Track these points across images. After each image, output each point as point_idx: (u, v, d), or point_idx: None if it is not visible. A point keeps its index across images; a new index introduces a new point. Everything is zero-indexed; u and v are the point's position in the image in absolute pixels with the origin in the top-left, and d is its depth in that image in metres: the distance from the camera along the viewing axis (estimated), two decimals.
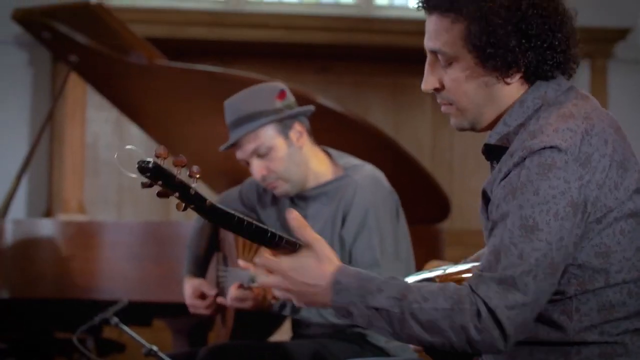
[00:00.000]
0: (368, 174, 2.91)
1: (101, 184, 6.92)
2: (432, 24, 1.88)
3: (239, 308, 2.88)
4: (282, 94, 2.90)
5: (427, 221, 4.50)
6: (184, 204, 1.70)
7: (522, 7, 1.80)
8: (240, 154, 2.91)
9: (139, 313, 4.01)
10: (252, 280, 2.71)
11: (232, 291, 2.81)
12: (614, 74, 7.21)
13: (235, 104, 2.90)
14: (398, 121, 7.30)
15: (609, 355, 1.78)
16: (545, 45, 1.81)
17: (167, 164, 1.65)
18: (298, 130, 2.90)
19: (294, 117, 2.90)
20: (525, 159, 1.74)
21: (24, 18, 4.37)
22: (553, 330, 1.79)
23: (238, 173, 3.59)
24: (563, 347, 1.79)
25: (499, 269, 1.71)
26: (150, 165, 1.61)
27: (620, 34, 7.15)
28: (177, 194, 1.68)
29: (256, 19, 7.00)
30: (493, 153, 1.89)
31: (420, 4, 1.92)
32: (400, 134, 6.91)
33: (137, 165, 1.62)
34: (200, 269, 3.16)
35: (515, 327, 1.70)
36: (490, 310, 1.69)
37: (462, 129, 1.94)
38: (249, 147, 2.87)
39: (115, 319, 3.21)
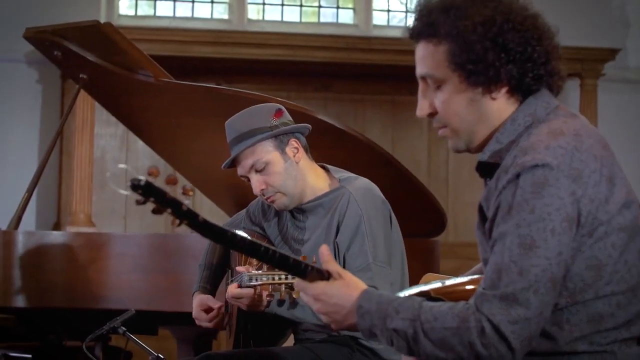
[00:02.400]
0: (361, 185, 2.96)
1: (108, 197, 6.96)
2: (420, 50, 1.93)
3: (239, 308, 2.90)
4: (278, 113, 2.97)
5: (423, 235, 4.50)
6: (177, 221, 1.73)
7: (497, 22, 1.83)
8: (240, 170, 2.98)
9: (146, 322, 4.00)
10: (250, 279, 2.74)
11: (230, 290, 2.85)
12: (604, 92, 7.26)
13: (234, 123, 2.97)
14: (395, 137, 7.33)
15: None
16: (524, 57, 1.84)
17: (160, 182, 1.70)
18: (294, 146, 2.96)
19: (290, 134, 2.96)
20: (518, 175, 1.76)
21: (35, 37, 4.35)
22: (545, 340, 1.81)
23: (243, 188, 3.59)
24: (555, 356, 1.82)
25: (501, 287, 1.74)
26: (142, 183, 1.64)
27: (610, 54, 7.18)
28: (169, 211, 1.70)
29: (258, 38, 7.06)
30: (486, 170, 1.91)
31: (409, 34, 1.97)
32: (398, 150, 6.97)
33: (129, 184, 1.65)
34: (211, 286, 3.19)
35: (520, 340, 1.73)
36: (495, 327, 1.73)
37: (458, 151, 1.97)
38: (247, 162, 2.94)
39: (122, 328, 3.28)
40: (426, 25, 1.91)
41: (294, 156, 2.96)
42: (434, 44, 1.90)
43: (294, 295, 2.64)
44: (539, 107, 1.88)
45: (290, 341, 3.19)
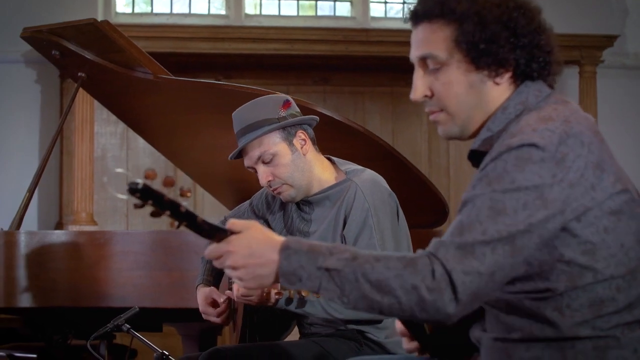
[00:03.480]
0: (368, 177, 2.96)
1: (110, 196, 6.94)
2: (420, 32, 1.92)
3: (247, 304, 2.91)
4: (286, 104, 2.97)
5: (426, 225, 4.52)
6: (176, 222, 1.73)
7: (510, 6, 1.85)
8: (247, 161, 2.97)
9: (150, 319, 4.03)
10: None
11: (236, 288, 2.84)
12: (602, 79, 7.24)
13: (242, 114, 2.96)
14: (395, 129, 7.34)
15: (602, 349, 1.79)
16: (532, 44, 1.86)
17: (157, 184, 1.69)
18: (302, 138, 2.96)
19: (298, 125, 2.96)
20: (502, 154, 1.77)
21: (32, 37, 4.34)
22: (547, 326, 1.81)
23: (243, 182, 3.60)
24: (557, 342, 1.81)
25: (461, 238, 1.72)
26: (139, 186, 1.63)
27: (608, 40, 7.18)
28: (168, 213, 1.70)
29: (256, 33, 7.05)
30: (477, 159, 1.91)
31: (410, 16, 1.95)
32: (398, 141, 6.98)
33: (127, 187, 1.64)
34: (214, 279, 3.18)
35: (467, 293, 1.70)
36: (447, 271, 1.70)
37: (450, 137, 1.97)
38: (254, 153, 2.94)
39: (127, 326, 3.28)
40: (436, 4, 1.90)
41: (302, 148, 2.96)
42: (442, 23, 1.89)
43: (302, 293, 2.64)
44: (530, 96, 1.89)
45: (294, 334, 3.19)
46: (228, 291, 3.06)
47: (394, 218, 2.94)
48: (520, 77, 1.89)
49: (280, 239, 1.83)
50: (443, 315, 1.72)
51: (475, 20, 1.85)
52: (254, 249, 1.81)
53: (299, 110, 3.01)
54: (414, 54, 1.94)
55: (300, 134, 2.97)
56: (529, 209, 1.73)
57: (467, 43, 1.86)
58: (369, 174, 2.99)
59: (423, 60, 1.92)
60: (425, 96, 1.93)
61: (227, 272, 1.85)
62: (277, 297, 2.79)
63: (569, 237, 1.78)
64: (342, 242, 2.86)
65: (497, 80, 1.89)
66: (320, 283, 1.78)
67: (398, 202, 2.99)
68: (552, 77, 1.93)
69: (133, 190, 1.64)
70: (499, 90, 1.90)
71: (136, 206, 1.68)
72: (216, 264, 1.85)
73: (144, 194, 1.65)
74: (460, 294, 1.70)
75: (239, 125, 2.96)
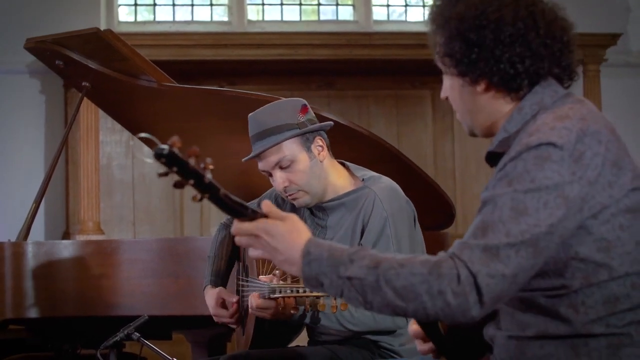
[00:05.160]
0: (386, 185, 2.94)
1: (116, 204, 6.99)
2: None
3: (260, 316, 2.88)
4: (304, 109, 2.93)
5: (433, 228, 4.50)
6: (199, 194, 1.72)
7: (474, 21, 1.87)
8: (263, 165, 2.94)
9: (159, 327, 4.02)
10: (273, 292, 2.71)
11: (253, 300, 2.81)
12: (606, 78, 7.24)
13: (260, 117, 2.92)
14: (400, 132, 7.33)
15: (616, 346, 1.80)
16: (496, 57, 1.87)
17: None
18: (319, 145, 2.93)
19: (316, 132, 2.93)
20: (522, 153, 1.78)
21: (36, 47, 4.36)
22: (561, 323, 1.82)
23: (250, 188, 3.60)
24: (571, 339, 1.82)
25: (485, 240, 1.73)
26: (165, 151, 1.62)
27: (612, 39, 7.17)
28: (192, 182, 1.68)
29: (259, 39, 7.05)
30: (495, 160, 1.92)
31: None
32: (403, 144, 6.97)
33: (153, 152, 1.63)
34: (221, 279, 3.17)
35: (492, 296, 1.71)
36: (472, 274, 1.70)
37: (469, 134, 2.04)
38: (272, 159, 2.91)
39: (136, 334, 3.29)
40: (430, 12, 1.98)
41: (319, 154, 2.94)
42: (433, 34, 1.97)
43: (318, 308, 2.63)
44: (545, 96, 1.90)
45: (303, 337, 3.18)
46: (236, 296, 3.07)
47: (411, 226, 2.93)
48: (500, 87, 1.91)
49: (304, 240, 1.83)
50: (466, 317, 1.73)
51: (441, 33, 1.93)
52: (279, 244, 1.83)
53: (314, 115, 2.99)
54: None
55: (318, 140, 2.94)
56: (550, 208, 1.74)
57: (443, 53, 1.93)
58: (386, 181, 2.98)
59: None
60: (446, 97, 2.02)
61: (252, 251, 1.87)
62: (293, 312, 2.77)
63: (584, 235, 1.80)
64: None
65: (477, 88, 1.92)
66: (342, 290, 1.79)
67: (415, 210, 2.98)
68: (567, 77, 1.94)
69: (159, 155, 1.63)
70: (486, 98, 1.93)
71: (160, 174, 1.67)
72: (240, 241, 1.87)
73: (169, 160, 1.64)
74: (485, 296, 1.70)
75: (257, 128, 2.92)
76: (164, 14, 7.35)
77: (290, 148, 2.90)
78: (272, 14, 7.43)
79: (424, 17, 7.48)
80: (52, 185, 4.77)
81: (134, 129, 4.79)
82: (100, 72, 4.27)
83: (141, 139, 1.66)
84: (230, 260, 3.25)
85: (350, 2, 7.48)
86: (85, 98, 4.52)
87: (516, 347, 1.88)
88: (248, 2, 7.34)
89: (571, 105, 1.87)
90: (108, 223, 6.87)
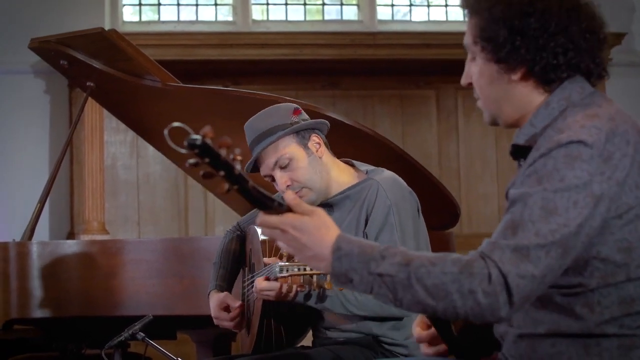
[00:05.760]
0: (389, 176, 2.96)
1: (121, 204, 6.99)
2: (467, 22, 1.98)
3: (263, 308, 2.90)
4: (297, 111, 2.98)
5: (438, 227, 4.51)
6: (227, 185, 1.70)
7: (521, 8, 1.87)
8: (263, 170, 2.96)
9: (164, 327, 4.04)
10: (281, 270, 2.68)
11: (258, 284, 2.82)
12: (611, 77, 7.14)
13: (253, 124, 2.96)
14: (405, 131, 7.33)
15: (627, 347, 1.81)
16: (540, 45, 1.86)
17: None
18: (316, 142, 2.96)
19: (311, 129, 2.96)
20: (552, 150, 1.78)
21: (40, 47, 4.38)
22: (574, 322, 1.83)
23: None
24: (583, 339, 1.82)
25: (515, 239, 1.72)
26: (198, 142, 1.61)
27: (616, 38, 7.13)
28: (222, 173, 1.67)
29: (263, 39, 7.06)
30: (520, 153, 1.93)
31: (461, 4, 2.03)
32: (408, 144, 6.97)
33: (185, 142, 1.61)
34: (227, 284, 3.19)
35: (521, 296, 1.70)
36: (503, 275, 1.70)
37: (489, 123, 2.02)
38: (270, 160, 2.93)
39: (141, 334, 3.30)
40: None
41: (317, 151, 2.96)
42: (472, 15, 1.95)
43: (325, 286, 2.64)
44: (573, 92, 1.90)
45: (308, 339, 3.18)
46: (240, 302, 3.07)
47: (415, 216, 2.94)
48: (538, 77, 1.90)
49: (333, 235, 1.82)
50: (496, 317, 1.73)
51: (484, 16, 1.90)
52: (308, 239, 1.82)
53: (308, 117, 3.02)
54: (464, 42, 2.00)
55: (314, 138, 2.97)
56: (579, 207, 1.74)
57: (479, 38, 1.91)
58: (389, 173, 3.00)
59: (467, 49, 1.98)
60: (468, 83, 2.00)
61: (281, 243, 1.85)
62: (300, 289, 2.76)
63: (607, 235, 1.80)
64: None
65: (512, 77, 1.91)
66: (372, 287, 1.78)
67: (418, 201, 2.99)
68: (597, 74, 1.94)
69: (192, 145, 1.61)
70: (519, 88, 1.93)
71: (191, 164, 1.65)
72: (265, 232, 1.86)
73: (202, 151, 1.62)
74: (515, 296, 1.70)
75: (252, 134, 2.96)
76: (168, 14, 7.35)
77: (287, 146, 2.93)
78: (277, 13, 7.43)
79: (428, 17, 7.49)
80: (56, 185, 4.77)
81: (138, 129, 4.83)
82: (105, 72, 4.28)
83: (172, 129, 1.64)
84: (236, 267, 3.26)
85: (354, 2, 7.47)
86: (89, 98, 4.53)
87: (527, 344, 1.88)
88: (252, 1, 7.34)
89: (600, 103, 1.87)
90: (113, 223, 6.87)
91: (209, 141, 1.63)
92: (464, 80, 2.00)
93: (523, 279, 1.70)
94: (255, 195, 1.75)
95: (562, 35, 1.87)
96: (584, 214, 1.74)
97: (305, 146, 2.95)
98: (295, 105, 3.02)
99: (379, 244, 1.82)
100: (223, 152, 1.65)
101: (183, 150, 1.62)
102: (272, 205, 1.80)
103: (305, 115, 3.01)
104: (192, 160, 1.64)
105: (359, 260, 1.78)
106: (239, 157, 1.69)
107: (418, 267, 1.75)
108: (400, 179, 2.99)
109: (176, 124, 1.66)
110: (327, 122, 3.05)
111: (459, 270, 1.72)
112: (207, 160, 1.64)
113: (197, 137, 1.61)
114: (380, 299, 1.79)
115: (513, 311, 1.72)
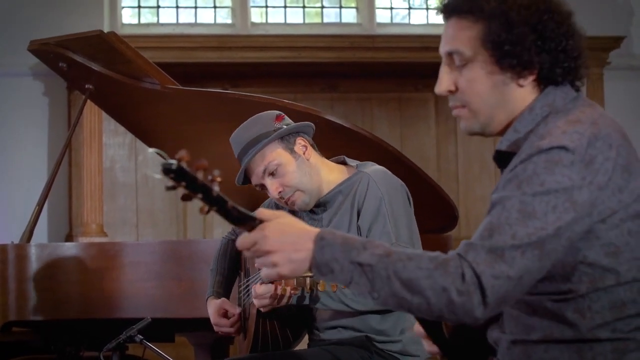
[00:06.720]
0: (379, 168, 2.98)
1: (119, 207, 7.00)
2: (450, 27, 1.93)
3: (258, 312, 2.91)
4: (279, 117, 3.00)
5: (436, 230, 4.52)
6: (207, 207, 1.71)
7: (539, 9, 1.85)
8: (254, 179, 2.99)
9: (162, 329, 4.02)
10: None
11: (255, 290, 2.84)
12: (610, 81, 7.23)
13: (238, 137, 2.99)
14: (403, 134, 7.33)
15: (622, 351, 1.80)
16: (559, 48, 1.85)
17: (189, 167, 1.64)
18: (302, 144, 2.98)
19: (295, 133, 2.98)
20: (532, 156, 1.77)
21: (39, 49, 4.37)
22: (567, 328, 1.82)
23: (252, 189, 3.62)
24: (577, 344, 1.81)
25: (490, 241, 1.73)
26: (174, 166, 1.62)
27: (615, 42, 7.17)
28: (200, 196, 1.68)
29: (262, 41, 7.06)
30: (503, 160, 1.91)
31: (439, 9, 1.96)
32: (406, 147, 6.97)
33: (161, 167, 1.62)
34: (224, 290, 3.21)
35: (496, 297, 1.71)
36: (477, 275, 1.70)
37: (472, 133, 1.98)
38: (259, 169, 2.95)
39: (139, 336, 3.30)
40: (466, 1, 1.90)
41: (304, 153, 2.98)
42: (471, 20, 1.89)
43: (319, 288, 2.64)
44: (557, 98, 1.89)
45: (303, 343, 3.19)
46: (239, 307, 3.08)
47: (406, 205, 2.95)
48: (544, 81, 1.90)
49: (313, 229, 1.84)
50: (471, 318, 1.73)
51: (502, 21, 1.86)
52: (288, 233, 1.81)
53: (292, 122, 3.03)
54: (442, 49, 1.94)
55: (300, 141, 2.99)
56: (558, 212, 1.73)
57: (492, 43, 1.87)
58: (379, 166, 3.02)
59: (450, 55, 1.92)
60: (450, 91, 1.94)
61: (261, 260, 1.84)
62: (293, 293, 2.78)
63: (593, 239, 1.79)
64: (358, 234, 2.86)
65: (521, 82, 1.89)
66: (352, 277, 1.79)
67: (409, 192, 3.00)
68: (579, 81, 1.93)
69: (167, 170, 1.63)
70: (522, 92, 1.91)
71: (168, 188, 1.66)
72: (248, 253, 1.85)
73: (178, 175, 1.64)
74: (489, 297, 1.71)
75: (238, 147, 2.98)
76: (167, 17, 7.35)
77: (273, 153, 2.95)
78: (276, 16, 7.44)
79: (427, 20, 7.49)
80: (55, 188, 4.77)
81: (137, 132, 4.82)
82: (104, 74, 4.28)
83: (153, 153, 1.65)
84: (233, 272, 3.28)
85: (353, 5, 7.48)
86: (88, 100, 4.52)
87: (521, 350, 1.88)
88: (251, 4, 7.35)
89: (582, 108, 1.87)
90: (111, 225, 6.87)
91: (184, 165, 1.63)
92: (443, 87, 1.94)
93: (497, 280, 1.71)
94: (235, 215, 1.76)
95: (572, 37, 1.88)
96: (564, 219, 1.74)
97: (291, 150, 2.97)
98: (278, 112, 3.03)
99: (362, 237, 1.83)
100: (200, 175, 1.66)
101: (158, 176, 1.63)
102: (254, 223, 1.81)
103: (288, 120, 3.02)
104: (169, 184, 1.65)
105: (342, 250, 1.79)
106: (218, 179, 1.70)
107: (396, 260, 1.75)
108: (390, 172, 3.00)
109: (151, 150, 1.69)
110: (311, 124, 3.06)
111: (434, 267, 1.73)
112: (183, 183, 1.65)
113: (172, 161, 1.62)
114: (359, 290, 1.79)
115: (488, 312, 1.72)
